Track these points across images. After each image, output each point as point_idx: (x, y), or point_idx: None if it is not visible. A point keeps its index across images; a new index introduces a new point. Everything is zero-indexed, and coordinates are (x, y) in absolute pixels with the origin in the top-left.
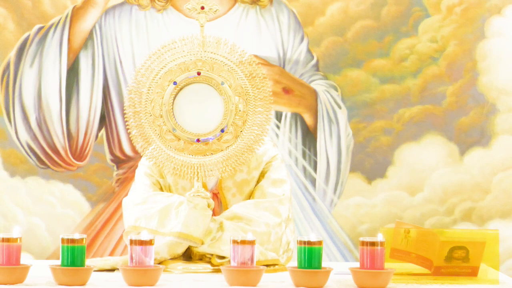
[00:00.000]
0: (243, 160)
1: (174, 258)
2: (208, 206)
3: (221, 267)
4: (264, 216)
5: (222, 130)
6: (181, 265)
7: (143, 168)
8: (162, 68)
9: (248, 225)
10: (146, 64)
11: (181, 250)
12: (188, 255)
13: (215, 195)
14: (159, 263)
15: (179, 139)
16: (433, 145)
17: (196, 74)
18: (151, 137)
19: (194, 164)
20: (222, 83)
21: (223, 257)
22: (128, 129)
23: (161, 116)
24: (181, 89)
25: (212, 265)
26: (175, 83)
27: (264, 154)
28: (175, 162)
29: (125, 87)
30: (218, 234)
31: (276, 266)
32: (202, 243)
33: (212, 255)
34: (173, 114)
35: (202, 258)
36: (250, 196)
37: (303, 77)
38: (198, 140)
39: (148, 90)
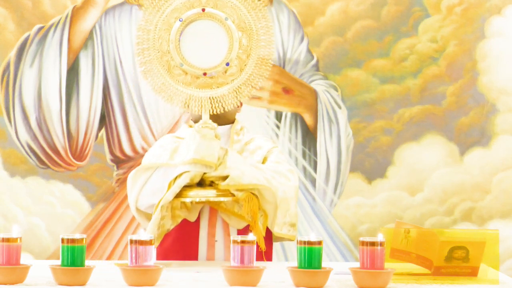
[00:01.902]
0: (247, 93)
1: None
2: (216, 137)
3: (221, 267)
4: (272, 172)
5: (227, 64)
6: (192, 191)
7: (150, 154)
8: (168, 6)
9: (255, 168)
10: (153, 3)
11: (197, 179)
12: (199, 183)
13: None
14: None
15: (186, 73)
16: (433, 145)
17: (201, 11)
18: (160, 72)
19: (201, 97)
20: (226, 19)
21: (226, 176)
22: (128, 128)
23: (169, 52)
24: (186, 25)
25: (218, 190)
26: (181, 19)
27: (264, 146)
28: (182, 96)
29: (125, 87)
30: (224, 159)
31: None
32: (216, 169)
33: (218, 179)
34: (180, 50)
35: (211, 184)
36: None
37: (303, 77)
38: (204, 74)
39: (155, 27)
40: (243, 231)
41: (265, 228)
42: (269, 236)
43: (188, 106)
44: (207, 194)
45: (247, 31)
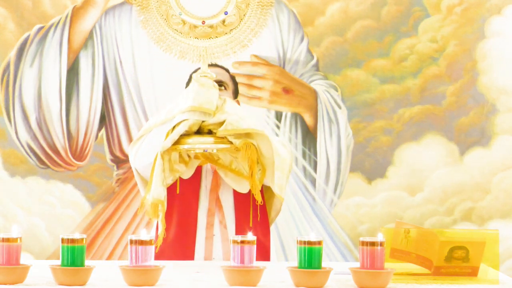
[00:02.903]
0: (246, 43)
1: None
2: (214, 86)
3: (221, 267)
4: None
5: (226, 13)
6: (190, 138)
7: None
8: None
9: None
10: None
11: (195, 127)
12: (198, 132)
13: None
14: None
15: (185, 23)
16: (433, 145)
17: None
18: (158, 22)
19: (199, 47)
20: None
21: (223, 123)
22: (128, 130)
23: (167, 1)
24: None
25: (216, 138)
26: None
27: None
28: (181, 46)
29: (125, 87)
30: (222, 107)
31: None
32: (214, 115)
33: (216, 126)
34: None
35: (210, 132)
36: None
37: (303, 77)
38: (203, 23)
39: None
40: (243, 198)
41: (261, 183)
42: (267, 232)
43: (186, 56)
44: (205, 141)
45: None
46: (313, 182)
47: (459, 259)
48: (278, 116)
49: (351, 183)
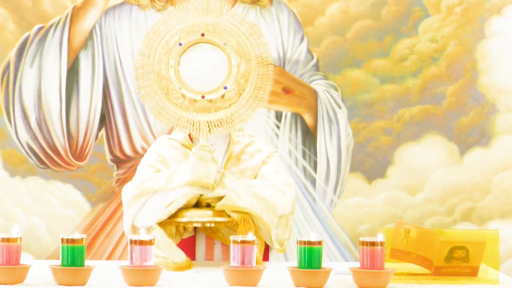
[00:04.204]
0: (245, 117)
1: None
2: (213, 160)
3: (221, 267)
4: (268, 189)
5: (225, 87)
6: (189, 211)
7: (145, 162)
8: (169, 32)
9: (252, 187)
10: (154, 28)
11: (194, 201)
12: (196, 205)
13: None
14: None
15: (185, 97)
16: (433, 145)
17: (200, 36)
18: (159, 96)
19: (199, 121)
20: (225, 44)
21: (222, 197)
22: (128, 128)
23: (168, 76)
24: (186, 49)
25: (215, 211)
26: (180, 44)
27: (264, 149)
28: (181, 119)
29: (125, 87)
30: (221, 181)
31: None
32: (213, 190)
33: (215, 200)
34: (179, 74)
35: (208, 206)
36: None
37: (303, 77)
38: (202, 97)
39: (156, 52)
40: None
41: (261, 253)
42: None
43: (185, 130)
44: (204, 214)
45: (245, 57)
46: (313, 182)
47: (459, 259)
48: (278, 116)
49: (351, 183)
